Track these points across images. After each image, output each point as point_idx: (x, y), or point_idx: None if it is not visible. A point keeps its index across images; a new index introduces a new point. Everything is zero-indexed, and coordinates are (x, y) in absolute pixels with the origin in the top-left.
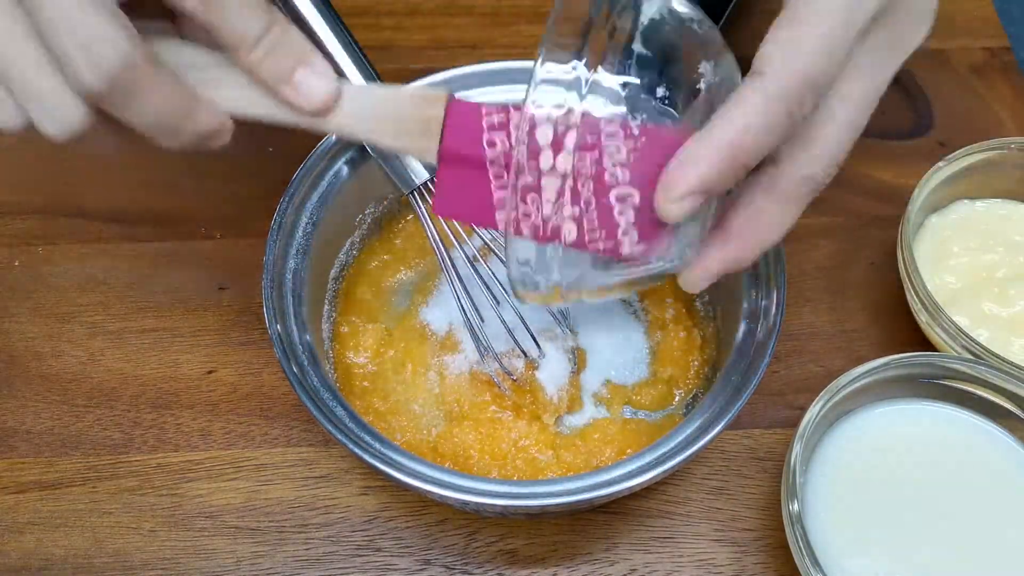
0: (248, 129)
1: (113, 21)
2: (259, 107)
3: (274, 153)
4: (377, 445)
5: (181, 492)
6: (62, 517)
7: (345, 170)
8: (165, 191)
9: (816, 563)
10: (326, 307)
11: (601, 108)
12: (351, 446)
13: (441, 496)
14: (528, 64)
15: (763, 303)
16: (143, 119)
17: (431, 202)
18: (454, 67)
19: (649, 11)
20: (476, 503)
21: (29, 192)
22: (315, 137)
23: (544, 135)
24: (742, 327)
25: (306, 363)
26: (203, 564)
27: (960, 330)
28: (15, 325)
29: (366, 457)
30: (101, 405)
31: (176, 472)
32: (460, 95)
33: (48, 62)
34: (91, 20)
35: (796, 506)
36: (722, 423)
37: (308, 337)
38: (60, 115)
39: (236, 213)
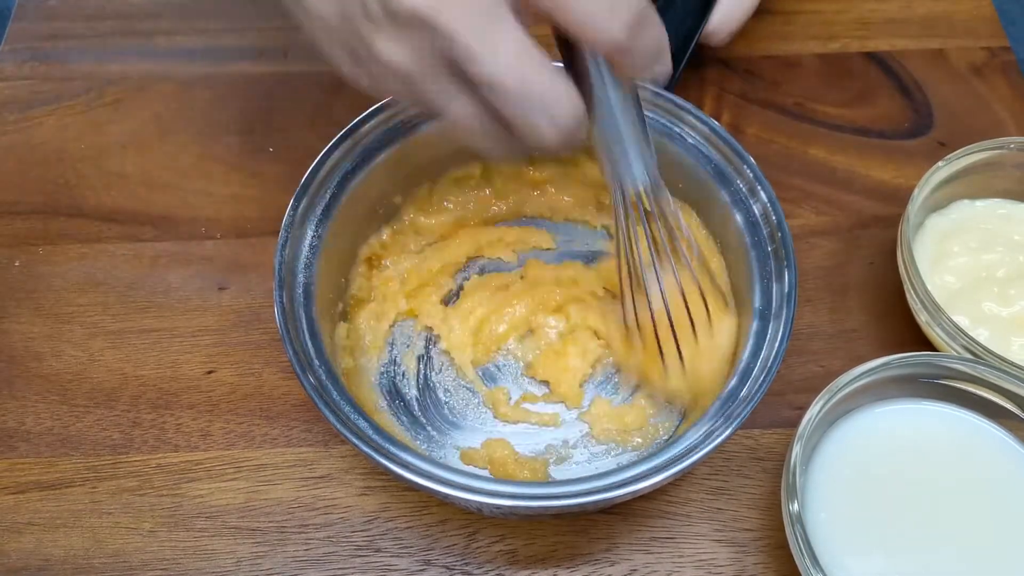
0: (248, 129)
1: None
2: None
3: (274, 153)
4: (388, 446)
5: (181, 492)
6: (62, 517)
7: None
8: (165, 191)
9: (816, 563)
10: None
11: None
12: (358, 442)
13: (445, 495)
14: None
15: (774, 304)
16: None
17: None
18: None
19: None
20: (480, 503)
21: (29, 192)
22: (313, 137)
23: None
24: (754, 325)
25: (312, 351)
26: (203, 565)
27: (960, 330)
28: (15, 325)
29: (377, 456)
30: (101, 405)
31: (176, 472)
32: None
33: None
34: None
35: (796, 506)
36: (731, 427)
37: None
38: None
39: (236, 213)
